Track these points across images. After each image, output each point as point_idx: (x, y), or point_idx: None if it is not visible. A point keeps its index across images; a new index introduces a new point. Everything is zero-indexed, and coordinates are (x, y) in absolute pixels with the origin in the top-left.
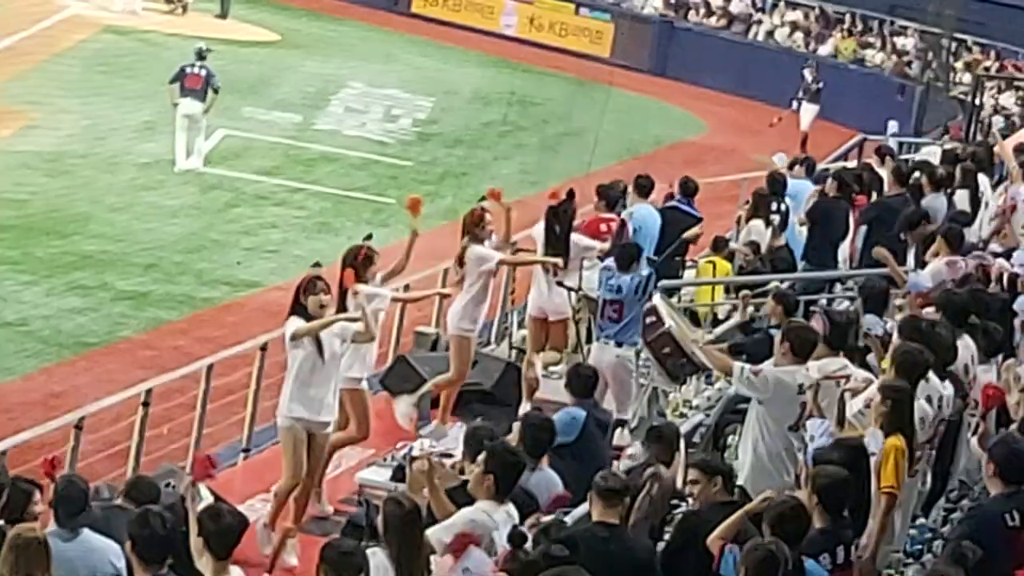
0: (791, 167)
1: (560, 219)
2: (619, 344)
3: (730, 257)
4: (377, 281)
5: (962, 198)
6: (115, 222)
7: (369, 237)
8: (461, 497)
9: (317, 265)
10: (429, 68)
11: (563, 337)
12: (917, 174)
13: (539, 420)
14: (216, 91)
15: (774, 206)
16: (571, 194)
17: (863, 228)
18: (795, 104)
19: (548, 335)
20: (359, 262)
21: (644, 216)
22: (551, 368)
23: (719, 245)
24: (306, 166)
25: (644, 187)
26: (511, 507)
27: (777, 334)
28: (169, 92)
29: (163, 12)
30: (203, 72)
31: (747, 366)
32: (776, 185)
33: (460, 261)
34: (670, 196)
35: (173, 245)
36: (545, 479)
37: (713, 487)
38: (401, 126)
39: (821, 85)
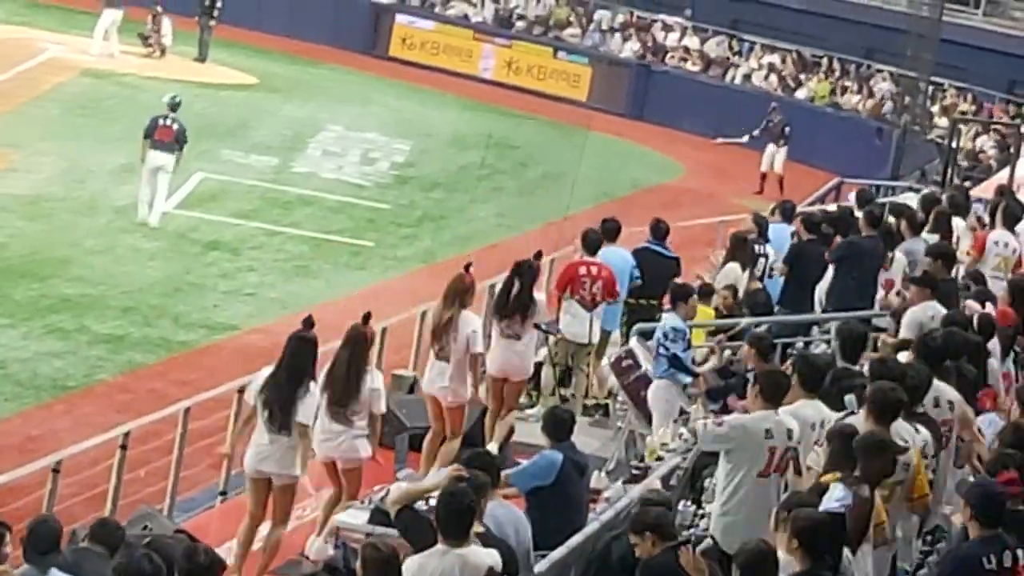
0: (772, 213)
1: (523, 276)
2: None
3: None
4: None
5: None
6: (93, 265)
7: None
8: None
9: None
10: (407, 111)
11: (517, 397)
12: (893, 219)
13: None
14: (182, 148)
15: (758, 249)
16: (538, 255)
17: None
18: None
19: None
20: None
21: (612, 259)
22: (527, 411)
23: (703, 292)
24: (284, 209)
25: (611, 231)
26: (473, 551)
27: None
28: (142, 147)
29: (141, 55)
30: (175, 126)
31: (709, 422)
32: (760, 229)
33: (443, 331)
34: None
35: (150, 288)
36: (512, 515)
37: (649, 543)
38: (379, 169)
39: (786, 127)
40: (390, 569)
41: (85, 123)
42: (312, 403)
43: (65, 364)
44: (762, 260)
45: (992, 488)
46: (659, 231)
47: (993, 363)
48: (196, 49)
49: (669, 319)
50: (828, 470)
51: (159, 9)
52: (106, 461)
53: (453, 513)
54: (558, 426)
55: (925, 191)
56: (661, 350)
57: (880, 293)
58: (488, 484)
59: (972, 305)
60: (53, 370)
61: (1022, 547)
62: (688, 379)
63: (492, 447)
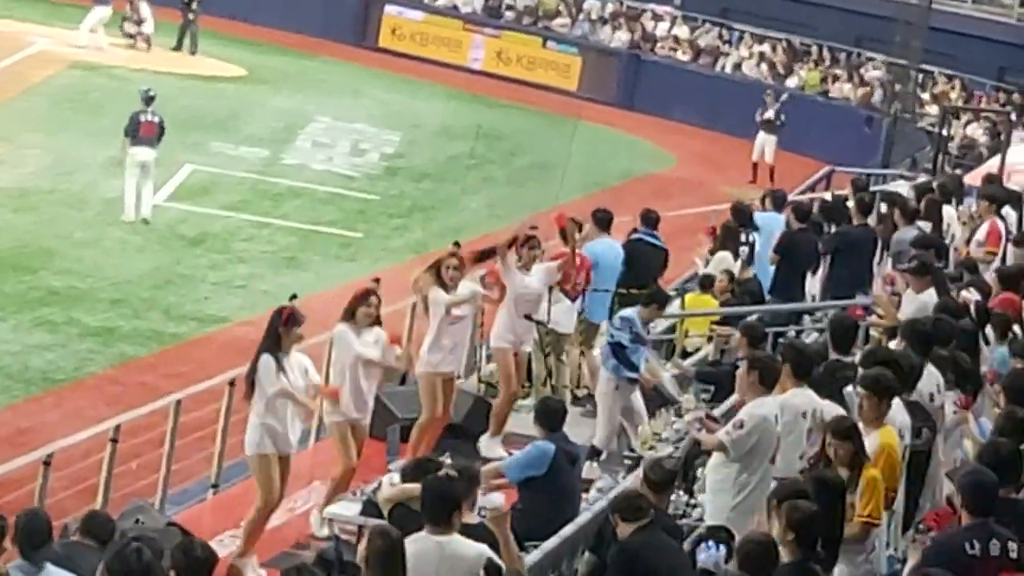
0: (762, 201)
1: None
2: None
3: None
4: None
5: (925, 229)
6: (82, 258)
7: (293, 298)
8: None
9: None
10: (396, 102)
11: (523, 369)
12: (885, 206)
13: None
14: (160, 140)
15: (743, 237)
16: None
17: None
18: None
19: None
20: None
21: (602, 249)
22: (520, 403)
23: (704, 283)
24: (274, 201)
25: (602, 220)
26: (455, 540)
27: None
28: (122, 144)
29: (127, 47)
30: (156, 119)
31: (730, 429)
32: (742, 217)
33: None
34: (636, 229)
35: (140, 280)
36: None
37: (615, 523)
38: (368, 160)
39: (783, 116)
40: (396, 557)
41: (73, 116)
42: (266, 372)
43: (55, 357)
44: (744, 248)
45: (984, 477)
46: (650, 220)
47: (986, 351)
48: (176, 40)
49: (626, 311)
50: (855, 465)
51: None
52: (97, 454)
53: (435, 500)
54: (550, 416)
55: (919, 180)
56: (608, 338)
57: (877, 284)
58: (479, 475)
59: (967, 294)
60: (43, 363)
61: (1013, 539)
62: (631, 373)
63: (485, 439)
